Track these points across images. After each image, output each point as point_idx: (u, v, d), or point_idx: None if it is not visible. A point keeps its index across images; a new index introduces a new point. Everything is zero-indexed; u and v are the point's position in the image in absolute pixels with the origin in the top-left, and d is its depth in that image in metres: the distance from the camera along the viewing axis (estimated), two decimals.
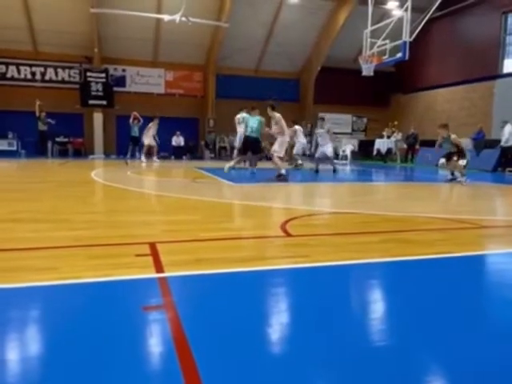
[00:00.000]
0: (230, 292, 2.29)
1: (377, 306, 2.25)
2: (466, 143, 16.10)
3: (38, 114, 16.39)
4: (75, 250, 3.02)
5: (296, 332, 1.86)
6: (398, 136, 19.64)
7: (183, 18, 16.25)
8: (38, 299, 2.16)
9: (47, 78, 19.67)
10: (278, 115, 9.04)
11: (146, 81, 21.04)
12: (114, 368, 1.50)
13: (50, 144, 17.74)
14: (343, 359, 1.60)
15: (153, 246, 3.11)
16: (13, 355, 1.61)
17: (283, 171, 8.88)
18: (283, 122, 9.10)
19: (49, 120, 16.67)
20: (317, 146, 12.33)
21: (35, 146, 17.51)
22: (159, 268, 2.59)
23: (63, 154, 19.12)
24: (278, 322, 1.96)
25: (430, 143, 18.52)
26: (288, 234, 3.66)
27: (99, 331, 1.77)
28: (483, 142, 15.07)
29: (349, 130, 23.54)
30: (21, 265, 2.64)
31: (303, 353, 1.64)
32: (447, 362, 1.60)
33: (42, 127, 16.70)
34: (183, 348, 1.62)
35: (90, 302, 2.12)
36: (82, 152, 19.81)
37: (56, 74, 19.79)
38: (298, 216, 4.56)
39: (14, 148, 18.45)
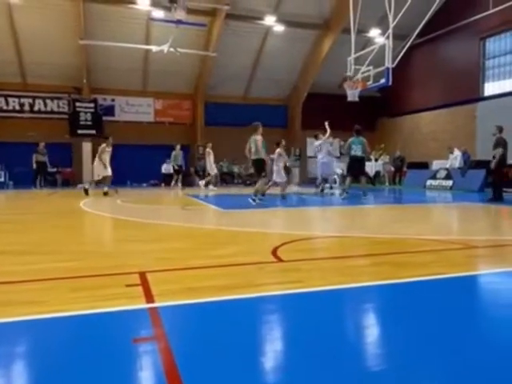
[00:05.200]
0: (223, 321, 2.25)
1: (373, 330, 2.23)
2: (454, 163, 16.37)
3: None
4: (64, 282, 2.96)
5: (291, 361, 1.82)
6: (386, 159, 19.93)
7: (171, 49, 16.58)
8: (27, 333, 2.10)
9: (36, 109, 19.70)
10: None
11: (136, 110, 21.19)
12: None
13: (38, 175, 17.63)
14: None
15: (143, 275, 3.06)
16: None
17: None
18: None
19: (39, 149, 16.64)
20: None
21: (29, 177, 17.23)
22: (150, 298, 2.55)
23: (52, 184, 18.94)
24: (273, 351, 1.93)
25: (417, 165, 18.82)
26: (280, 260, 3.64)
27: (89, 365, 1.72)
28: (468, 163, 15.33)
29: (337, 154, 23.79)
30: (9, 298, 2.58)
31: (299, 382, 1.60)
32: None
33: (40, 158, 16.62)
34: (174, 381, 1.58)
35: (79, 335, 2.07)
36: (70, 182, 19.66)
37: (45, 104, 19.85)
38: (289, 241, 4.54)
39: (2, 179, 18.27)
